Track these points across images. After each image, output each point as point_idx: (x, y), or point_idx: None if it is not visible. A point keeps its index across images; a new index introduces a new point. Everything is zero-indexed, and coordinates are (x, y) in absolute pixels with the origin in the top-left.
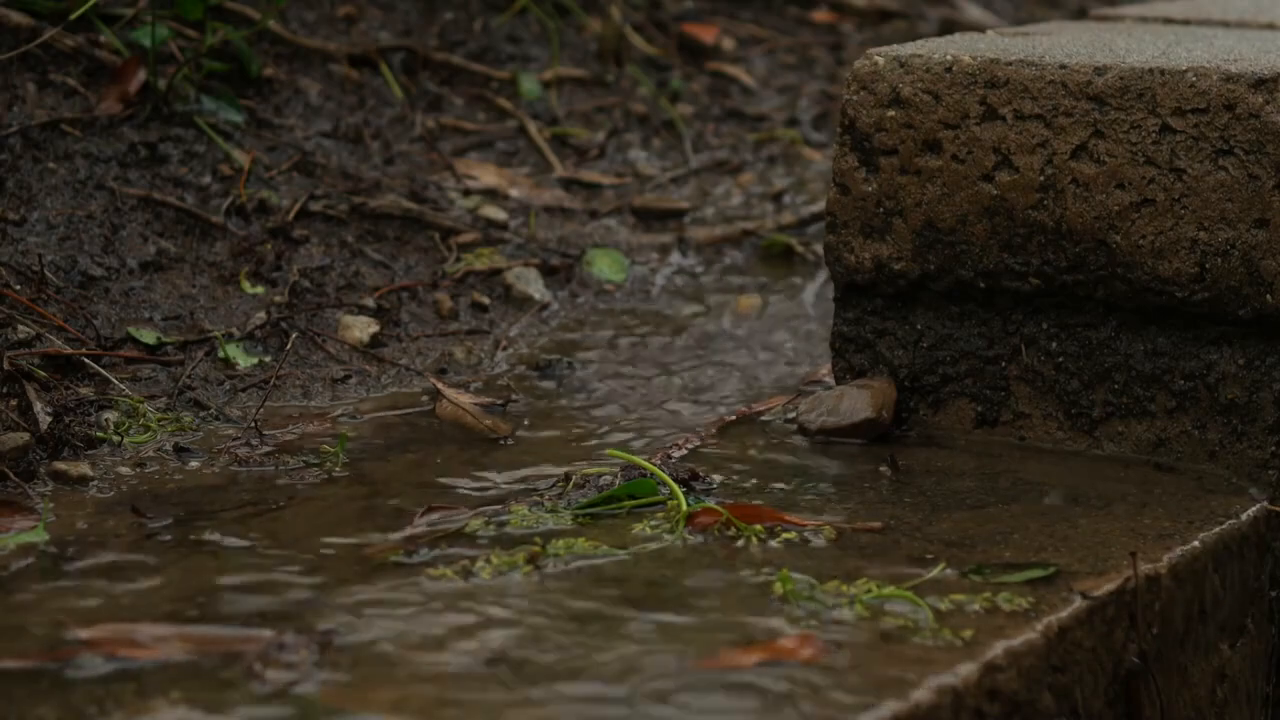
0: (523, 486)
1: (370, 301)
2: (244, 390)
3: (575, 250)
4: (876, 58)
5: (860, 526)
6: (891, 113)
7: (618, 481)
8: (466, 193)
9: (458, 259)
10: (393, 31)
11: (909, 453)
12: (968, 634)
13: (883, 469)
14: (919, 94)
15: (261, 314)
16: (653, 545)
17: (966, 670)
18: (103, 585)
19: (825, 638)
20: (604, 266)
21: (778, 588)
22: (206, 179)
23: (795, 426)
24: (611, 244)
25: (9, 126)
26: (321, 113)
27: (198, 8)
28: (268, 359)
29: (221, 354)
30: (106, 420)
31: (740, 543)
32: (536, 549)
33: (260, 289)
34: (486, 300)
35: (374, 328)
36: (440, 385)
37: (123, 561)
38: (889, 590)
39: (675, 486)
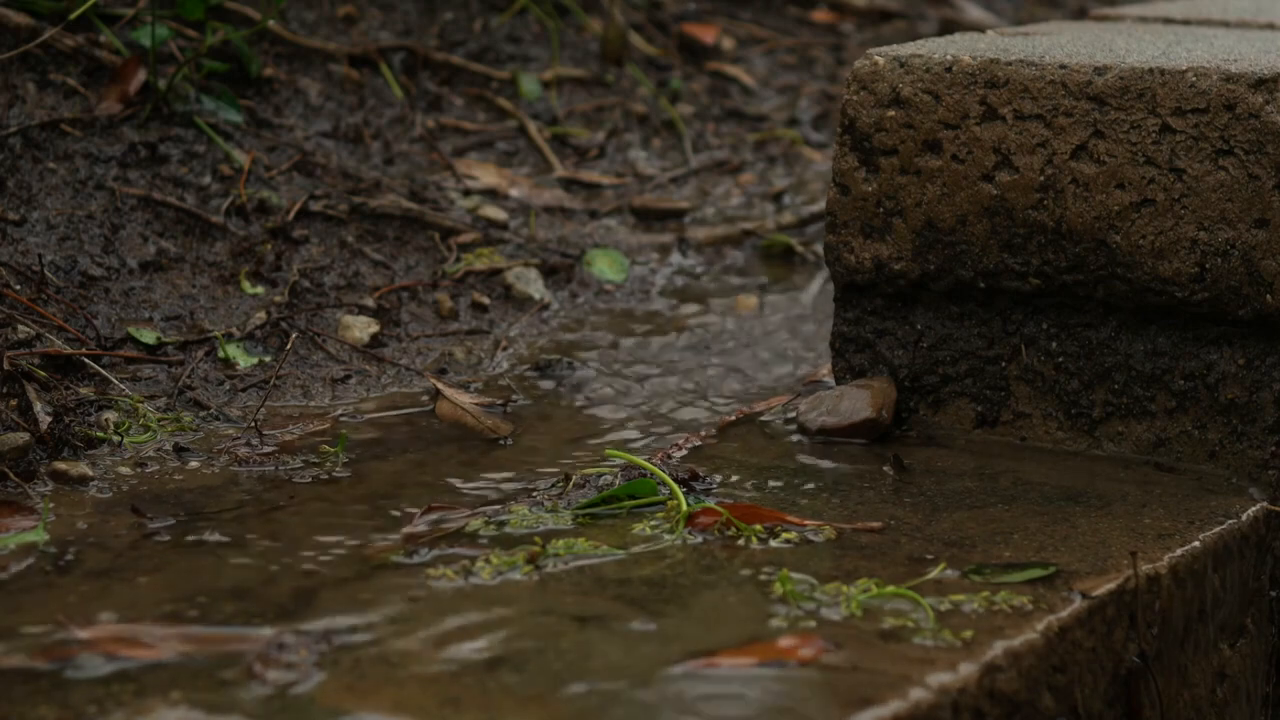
0: (523, 486)
1: (370, 301)
2: (244, 390)
3: (575, 250)
4: (876, 58)
5: (860, 526)
6: (891, 113)
7: (618, 481)
8: (466, 193)
9: (458, 259)
10: (393, 31)
11: (909, 453)
12: (968, 634)
13: (886, 469)
14: (919, 94)
15: (261, 314)
16: (653, 545)
17: (966, 670)
18: (103, 585)
19: (825, 638)
20: (604, 266)
21: (778, 588)
22: (206, 179)
23: (795, 426)
24: (611, 244)
25: (9, 126)
26: (321, 113)
27: (198, 8)
28: (268, 359)
29: (221, 354)
30: (106, 420)
31: (740, 543)
32: (536, 549)
33: (260, 289)
34: (486, 300)
35: (374, 328)
36: (440, 385)
37: (123, 561)
38: (889, 590)
39: (675, 486)
